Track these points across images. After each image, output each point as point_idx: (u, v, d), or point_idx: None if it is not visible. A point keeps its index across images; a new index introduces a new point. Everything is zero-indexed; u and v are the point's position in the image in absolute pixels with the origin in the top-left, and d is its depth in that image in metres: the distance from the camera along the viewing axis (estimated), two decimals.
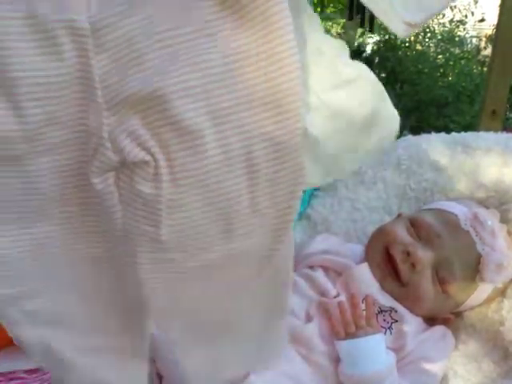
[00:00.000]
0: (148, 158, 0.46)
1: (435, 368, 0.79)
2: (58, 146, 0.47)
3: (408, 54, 3.78)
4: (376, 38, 4.20)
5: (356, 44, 4.40)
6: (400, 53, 3.75)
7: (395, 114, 0.63)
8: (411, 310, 0.82)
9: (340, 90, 0.55)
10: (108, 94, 0.45)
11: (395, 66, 3.65)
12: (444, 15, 4.04)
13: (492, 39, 3.28)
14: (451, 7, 4.09)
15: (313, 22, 0.56)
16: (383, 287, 0.83)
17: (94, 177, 0.47)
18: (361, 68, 0.59)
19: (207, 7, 0.45)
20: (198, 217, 0.49)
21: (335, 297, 0.82)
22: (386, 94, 0.61)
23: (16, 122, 0.45)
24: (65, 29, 0.44)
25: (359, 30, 4.45)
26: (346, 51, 0.59)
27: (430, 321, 0.85)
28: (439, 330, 0.84)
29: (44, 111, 0.45)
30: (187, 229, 0.49)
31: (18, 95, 0.44)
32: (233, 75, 0.46)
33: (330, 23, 6.18)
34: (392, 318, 0.82)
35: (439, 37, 3.91)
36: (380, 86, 0.60)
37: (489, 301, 0.86)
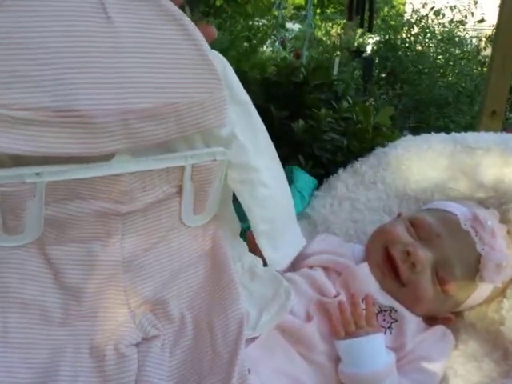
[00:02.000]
0: (159, 333, 0.69)
1: (435, 368, 0.79)
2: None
3: (408, 54, 3.77)
4: (376, 38, 4.21)
5: (356, 44, 4.41)
6: (400, 53, 3.75)
7: None
8: (411, 310, 0.83)
9: None
10: (133, 301, 0.70)
11: (395, 66, 3.65)
12: (444, 15, 4.04)
13: (492, 39, 3.28)
14: (451, 7, 4.10)
15: None
16: (383, 287, 0.83)
17: (123, 348, 0.67)
18: None
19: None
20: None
21: (335, 296, 0.82)
22: None
23: None
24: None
25: (359, 31, 4.46)
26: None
27: (430, 320, 0.85)
28: (439, 329, 0.84)
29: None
30: None
31: None
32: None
33: (330, 24, 6.19)
34: (392, 318, 0.82)
35: (439, 37, 3.91)
36: None
37: (489, 301, 0.86)
